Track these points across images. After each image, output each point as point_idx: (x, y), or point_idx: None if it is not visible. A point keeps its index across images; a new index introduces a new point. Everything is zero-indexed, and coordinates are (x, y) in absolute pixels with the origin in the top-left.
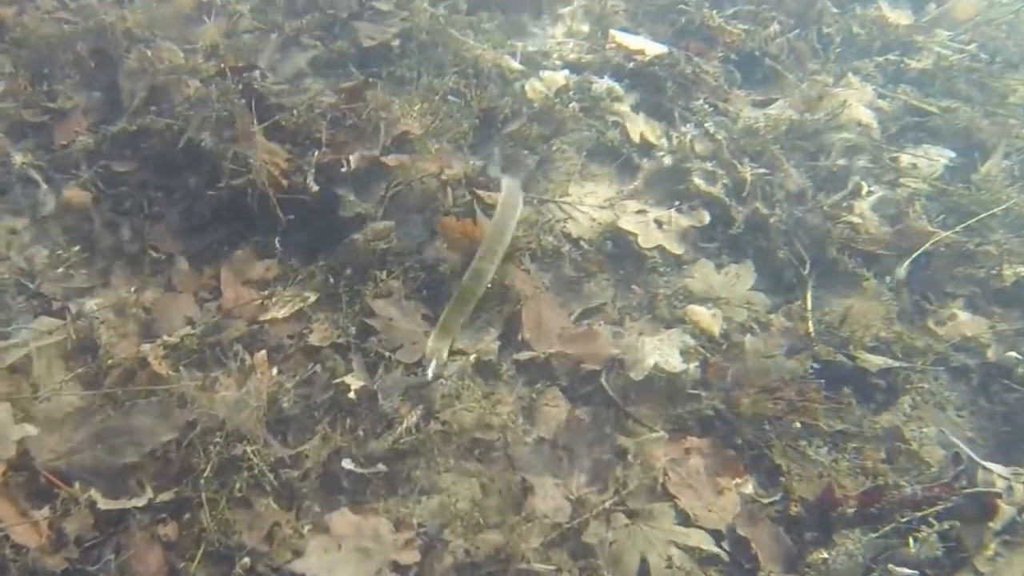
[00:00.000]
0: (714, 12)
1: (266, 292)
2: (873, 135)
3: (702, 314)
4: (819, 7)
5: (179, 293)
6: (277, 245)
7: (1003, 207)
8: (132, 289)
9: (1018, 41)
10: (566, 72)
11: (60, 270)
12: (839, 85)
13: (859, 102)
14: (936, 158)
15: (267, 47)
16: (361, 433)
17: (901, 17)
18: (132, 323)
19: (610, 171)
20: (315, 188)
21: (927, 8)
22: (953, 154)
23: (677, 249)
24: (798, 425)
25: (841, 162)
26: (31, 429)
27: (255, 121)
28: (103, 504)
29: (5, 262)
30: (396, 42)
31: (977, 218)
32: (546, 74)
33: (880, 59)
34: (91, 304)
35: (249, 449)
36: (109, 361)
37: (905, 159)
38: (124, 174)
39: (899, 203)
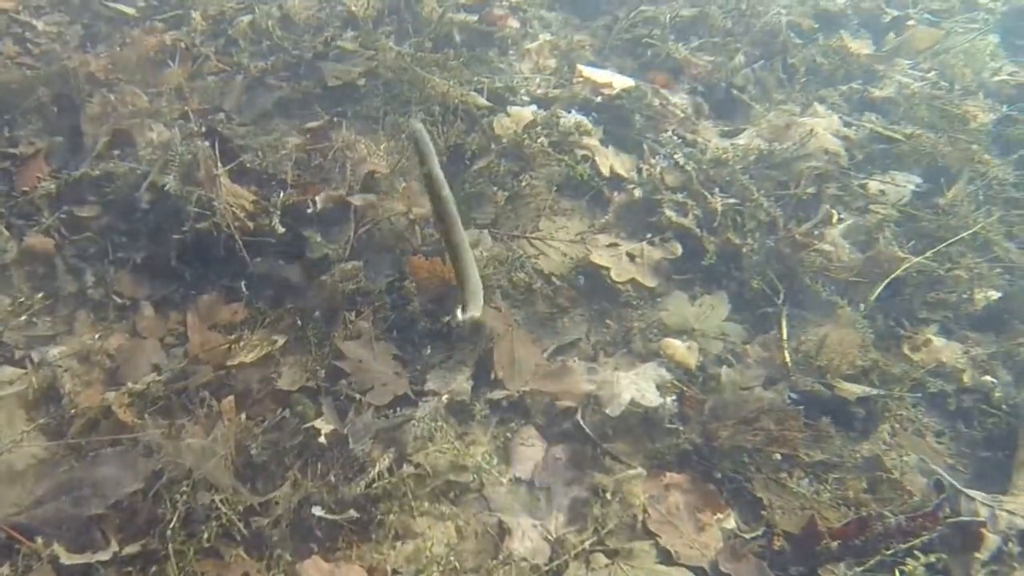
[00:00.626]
0: (679, 45)
1: (233, 336)
2: (840, 163)
3: (677, 347)
4: (782, 38)
5: (144, 339)
6: (244, 288)
7: (970, 232)
8: (96, 336)
9: (975, 69)
10: (534, 107)
11: (22, 318)
12: (806, 114)
13: (825, 130)
14: (903, 184)
15: (233, 89)
16: (332, 478)
17: (862, 47)
18: (96, 371)
19: (580, 205)
20: (281, 230)
21: (887, 38)
22: (919, 180)
23: (650, 282)
24: (778, 456)
25: (810, 190)
26: None
27: (219, 163)
28: (66, 559)
29: None
30: (362, 81)
31: (946, 243)
32: (513, 109)
33: (844, 88)
34: (54, 352)
35: (217, 498)
36: (72, 410)
37: (873, 185)
38: (87, 219)
39: (869, 230)
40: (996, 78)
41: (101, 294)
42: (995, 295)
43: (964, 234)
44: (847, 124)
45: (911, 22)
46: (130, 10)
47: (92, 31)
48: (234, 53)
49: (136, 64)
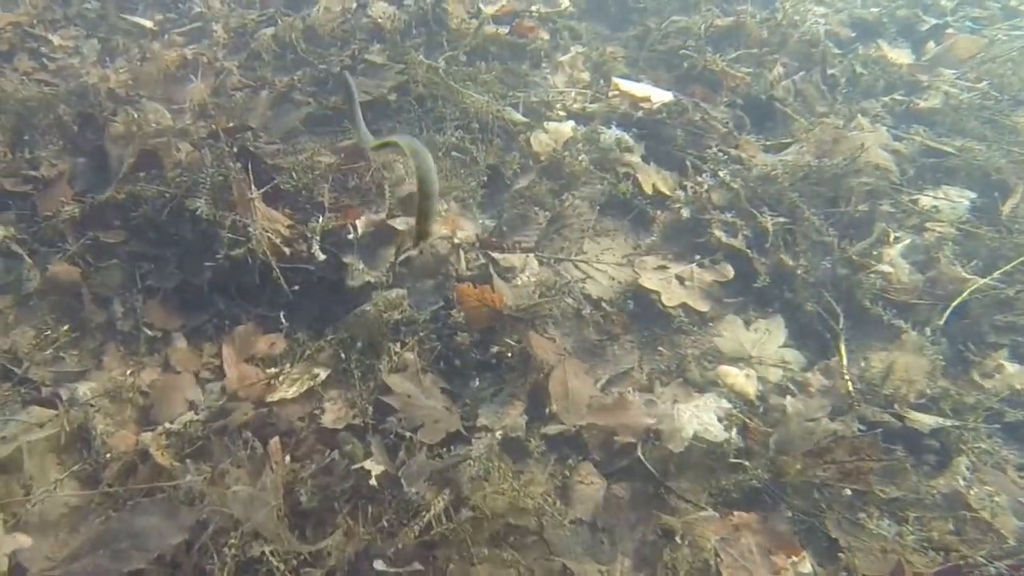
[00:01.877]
0: (716, 56)
1: (272, 370)
2: (892, 178)
3: (735, 376)
4: (821, 48)
5: (178, 374)
6: (282, 319)
7: None
8: (128, 372)
9: (1021, 77)
10: (572, 123)
11: (48, 352)
12: (850, 127)
13: (875, 144)
14: (957, 199)
15: (258, 105)
16: (386, 524)
17: (901, 56)
18: (129, 409)
19: (624, 225)
20: (322, 257)
21: (926, 47)
22: (974, 195)
23: (702, 306)
24: (848, 492)
25: (862, 207)
26: (24, 540)
27: (253, 186)
28: None
29: None
30: (393, 96)
31: (1014, 263)
32: (551, 125)
33: (886, 99)
34: (84, 389)
35: (268, 549)
36: (107, 454)
37: (925, 201)
38: (114, 245)
39: (928, 249)
40: None
41: (131, 325)
42: None
43: None
44: (897, 138)
45: (950, 30)
46: (148, 23)
47: (109, 45)
48: (258, 67)
49: (157, 79)
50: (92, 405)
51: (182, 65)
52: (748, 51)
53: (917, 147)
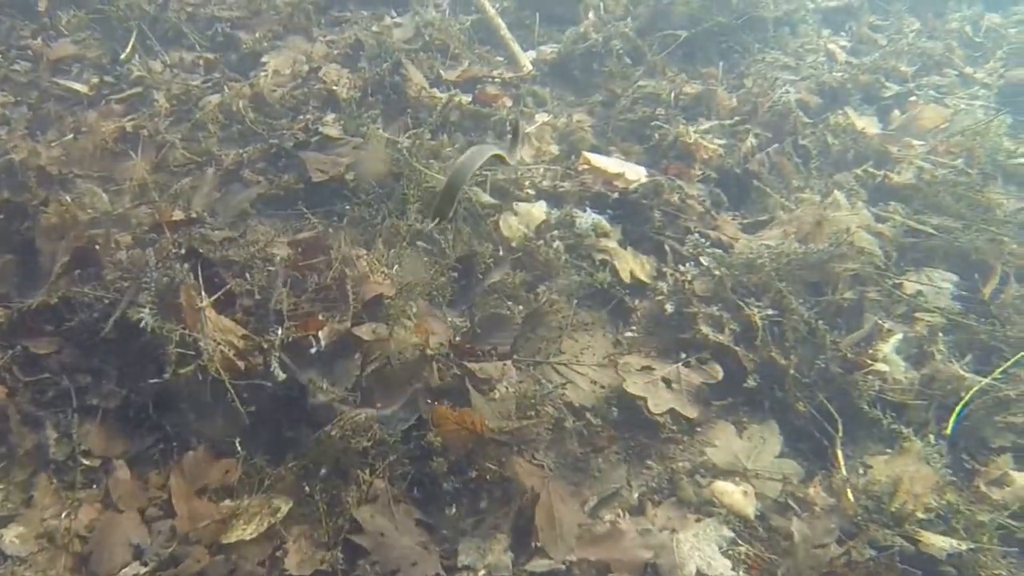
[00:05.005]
0: (689, 127)
1: (228, 502)
2: (876, 262)
3: (732, 494)
4: (792, 118)
5: (120, 512)
6: (238, 445)
7: None
8: (63, 514)
9: (989, 151)
10: (543, 204)
11: None
12: (827, 202)
13: (858, 227)
14: (940, 283)
15: (204, 185)
16: None
17: (869, 125)
18: (64, 558)
19: (603, 316)
20: (282, 376)
21: (892, 115)
22: (955, 277)
23: (691, 412)
24: None
25: (849, 295)
26: None
27: (202, 291)
28: None
29: None
30: (350, 175)
31: (1012, 361)
32: (521, 206)
33: (859, 171)
34: (11, 537)
35: None
36: None
37: (910, 287)
38: (45, 358)
39: (920, 342)
40: (1012, 160)
41: (65, 452)
42: None
43: None
44: (877, 217)
45: (914, 98)
46: (83, 88)
47: (40, 113)
48: (203, 139)
49: (93, 155)
50: (20, 556)
51: (120, 138)
52: (720, 122)
53: (898, 227)
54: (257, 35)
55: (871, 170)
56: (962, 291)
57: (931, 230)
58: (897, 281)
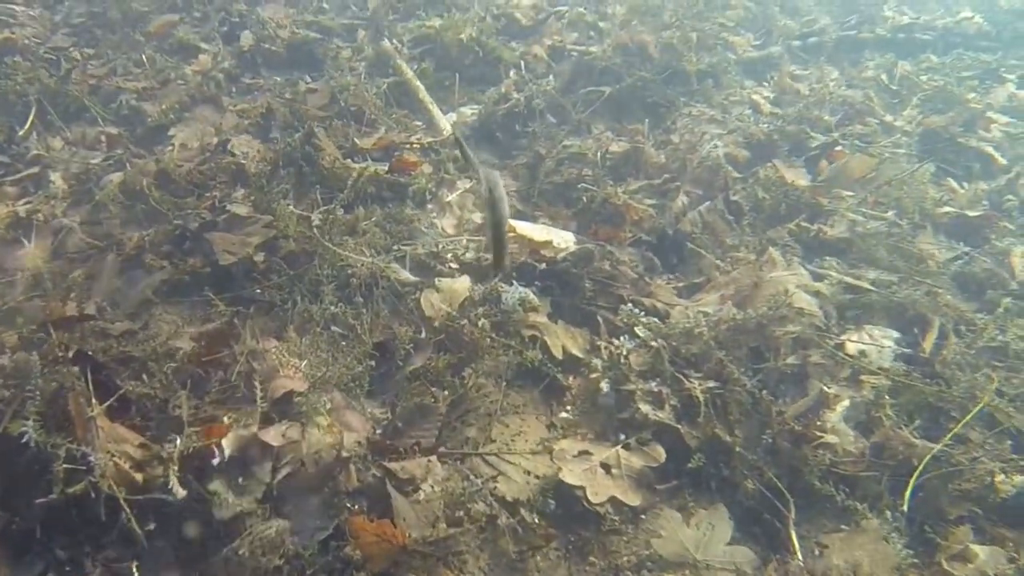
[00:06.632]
0: (617, 188)
1: None
2: (817, 323)
3: None
4: (723, 173)
5: None
6: (134, 570)
7: (980, 406)
8: None
9: (915, 199)
10: (466, 278)
11: None
12: (763, 260)
13: (796, 287)
14: (881, 340)
15: (104, 272)
16: None
17: (798, 177)
18: None
19: (534, 397)
20: (181, 494)
21: (820, 166)
22: (896, 334)
23: (633, 499)
24: None
25: (791, 359)
26: None
27: (93, 398)
28: None
29: None
30: (260, 256)
31: (960, 424)
32: (444, 282)
33: (792, 225)
34: None
35: None
36: None
37: (851, 347)
38: None
39: (867, 407)
40: (939, 209)
41: None
42: (1021, 479)
43: (975, 411)
44: (814, 274)
45: (839, 148)
46: None
47: None
48: (104, 222)
49: None
50: None
51: (13, 224)
52: (649, 181)
53: (835, 285)
54: (164, 107)
55: (804, 224)
56: (903, 347)
57: (868, 286)
58: (838, 341)
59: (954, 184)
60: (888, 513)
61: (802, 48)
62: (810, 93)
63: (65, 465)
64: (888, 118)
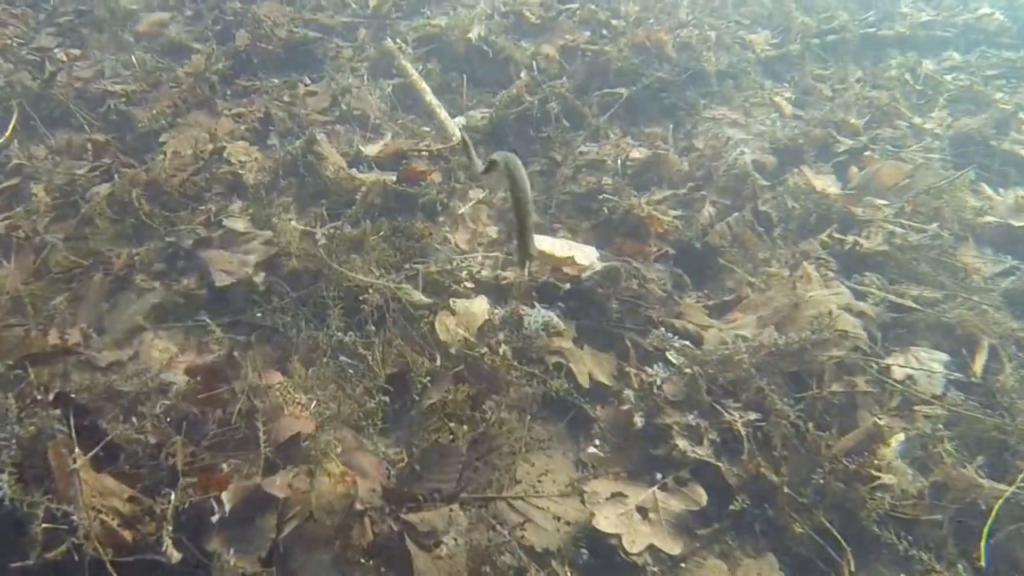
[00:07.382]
0: (640, 199)
1: None
2: (861, 346)
3: None
4: (750, 182)
5: None
6: None
7: None
8: None
9: (955, 208)
10: (484, 299)
11: None
12: (798, 275)
13: (839, 307)
14: (929, 364)
15: (90, 295)
16: None
17: (828, 184)
18: None
19: (560, 430)
20: (177, 557)
21: (850, 172)
22: (945, 357)
23: (673, 547)
24: None
25: (835, 387)
26: None
27: (76, 447)
28: None
29: None
30: (259, 277)
31: None
32: (459, 303)
33: (825, 236)
34: None
35: None
36: None
37: (898, 372)
38: None
39: (924, 442)
40: (981, 219)
41: None
42: None
43: None
44: (858, 295)
45: (869, 152)
46: None
47: None
48: (90, 238)
49: None
50: None
51: None
52: (674, 191)
53: (879, 304)
54: (155, 111)
55: (837, 235)
56: (953, 371)
57: (913, 304)
58: (884, 365)
59: (989, 191)
60: (959, 567)
61: (821, 46)
62: (834, 94)
63: (44, 525)
64: (917, 120)
